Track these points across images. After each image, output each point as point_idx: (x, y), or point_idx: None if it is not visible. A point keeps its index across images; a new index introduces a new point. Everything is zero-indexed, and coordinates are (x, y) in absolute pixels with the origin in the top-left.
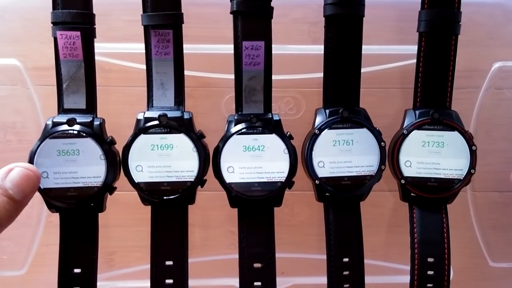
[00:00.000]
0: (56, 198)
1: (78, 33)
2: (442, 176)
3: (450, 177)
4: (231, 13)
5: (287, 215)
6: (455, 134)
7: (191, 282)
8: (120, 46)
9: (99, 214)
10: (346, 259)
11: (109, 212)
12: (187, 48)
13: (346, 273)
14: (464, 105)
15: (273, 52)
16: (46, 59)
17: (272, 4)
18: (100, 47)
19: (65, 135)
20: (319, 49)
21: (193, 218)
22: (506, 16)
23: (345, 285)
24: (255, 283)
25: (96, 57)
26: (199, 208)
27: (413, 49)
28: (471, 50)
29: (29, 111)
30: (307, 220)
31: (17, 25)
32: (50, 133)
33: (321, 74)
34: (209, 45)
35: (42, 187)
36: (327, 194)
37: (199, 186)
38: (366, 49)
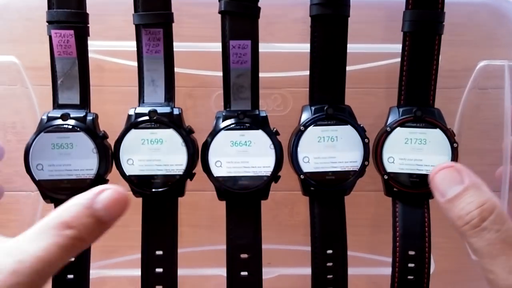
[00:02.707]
0: (50, 190)
1: (72, 31)
2: (424, 172)
3: None
4: (219, 12)
5: (287, 215)
6: (437, 132)
7: (180, 271)
8: (114, 44)
9: None
10: (329, 251)
11: None
12: (178, 46)
13: (329, 264)
14: (451, 104)
15: (261, 50)
16: (45, 58)
17: (272, 4)
18: (94, 45)
19: (59, 129)
20: (307, 47)
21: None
22: (495, 16)
23: (328, 276)
24: (242, 273)
25: (90, 55)
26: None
27: (399, 47)
28: (458, 49)
29: (29, 111)
30: (307, 220)
31: (17, 24)
32: (45, 127)
33: (308, 72)
34: (200, 43)
35: (37, 179)
36: (311, 188)
37: (188, 179)
38: (352, 47)
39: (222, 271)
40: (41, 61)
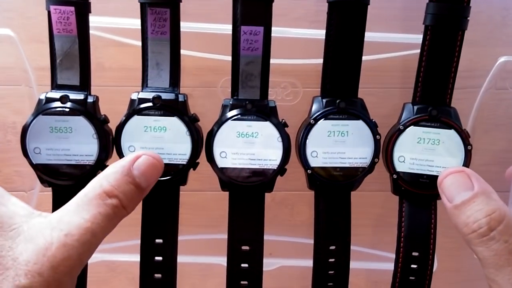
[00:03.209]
0: (48, 174)
1: (73, 8)
2: (435, 173)
3: None
4: None
5: (287, 215)
6: (452, 133)
7: (180, 258)
8: (117, 21)
9: None
10: (332, 247)
11: None
12: (184, 26)
13: (331, 260)
14: (464, 104)
15: (272, 35)
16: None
17: (273, 3)
18: (94, 21)
19: (57, 112)
20: (320, 34)
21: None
22: (508, 16)
23: (329, 272)
24: (242, 265)
25: (91, 32)
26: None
27: (416, 38)
28: (472, 49)
29: (29, 111)
30: (307, 220)
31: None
32: (43, 109)
33: (320, 60)
34: (207, 24)
35: (34, 163)
36: (318, 183)
37: (191, 169)
38: (367, 36)
39: (223, 261)
40: (43, 62)
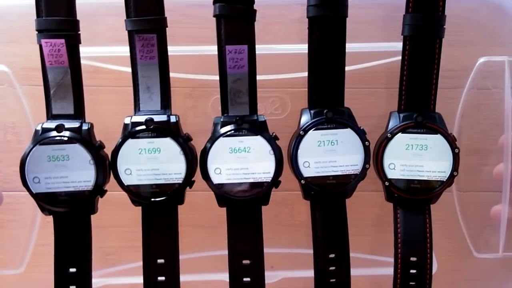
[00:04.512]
0: (48, 203)
1: (63, 40)
2: (425, 178)
3: (433, 179)
4: (214, 16)
5: (287, 215)
6: (438, 137)
7: (183, 277)
8: (106, 49)
9: (96, 214)
10: (332, 255)
11: (105, 213)
12: (173, 50)
13: (332, 268)
14: (450, 104)
15: (258, 52)
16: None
17: (272, 4)
18: (86, 51)
19: (54, 141)
20: (305, 48)
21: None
22: (495, 15)
23: (331, 280)
24: (244, 279)
25: (83, 61)
26: (192, 208)
27: (398, 46)
28: (457, 49)
29: (29, 111)
30: (307, 220)
31: (14, 25)
32: (39, 139)
33: (306, 73)
34: (194, 46)
35: (34, 192)
36: (312, 192)
37: (188, 187)
38: (351, 47)
39: (225, 276)
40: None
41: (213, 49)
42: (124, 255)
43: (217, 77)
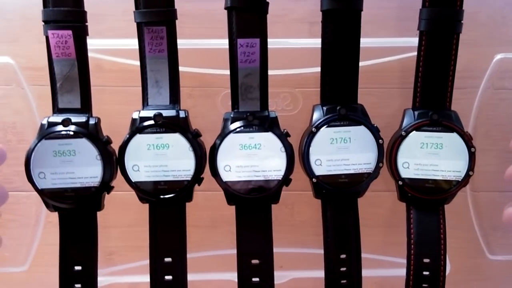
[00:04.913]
0: (54, 199)
1: (70, 31)
2: (440, 178)
3: (448, 179)
4: (225, 8)
5: (287, 215)
6: (454, 136)
7: (190, 276)
8: (114, 42)
9: (99, 213)
10: (343, 256)
11: (109, 213)
12: (182, 43)
13: (343, 269)
14: (464, 104)
15: (269, 46)
16: (44, 59)
17: (272, 3)
18: (93, 44)
19: (60, 136)
20: (317, 43)
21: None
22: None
23: (342, 281)
24: (253, 279)
25: (90, 54)
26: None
27: (413, 41)
28: (471, 49)
29: (29, 111)
30: (307, 220)
31: (15, 24)
32: (45, 133)
33: (318, 69)
34: (204, 40)
35: (39, 188)
36: (324, 191)
37: (196, 184)
38: (364, 42)
39: (233, 276)
40: (39, 62)
41: (219, 43)
42: (126, 254)
43: (225, 72)
